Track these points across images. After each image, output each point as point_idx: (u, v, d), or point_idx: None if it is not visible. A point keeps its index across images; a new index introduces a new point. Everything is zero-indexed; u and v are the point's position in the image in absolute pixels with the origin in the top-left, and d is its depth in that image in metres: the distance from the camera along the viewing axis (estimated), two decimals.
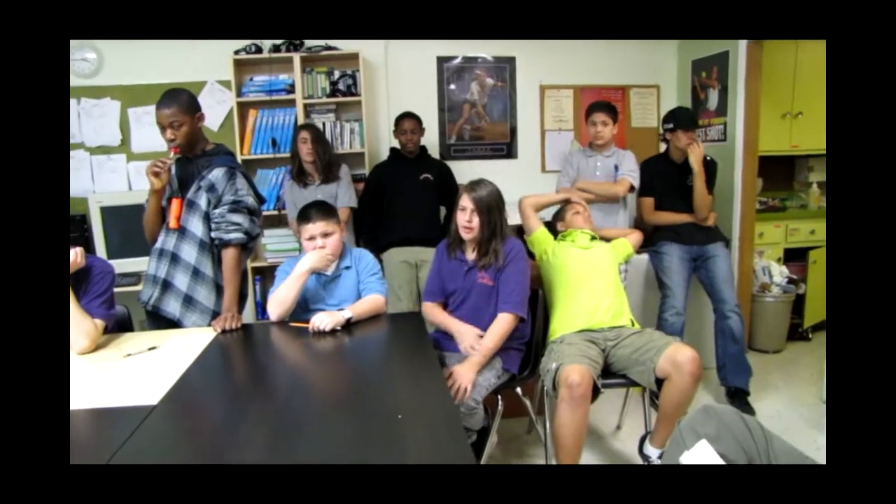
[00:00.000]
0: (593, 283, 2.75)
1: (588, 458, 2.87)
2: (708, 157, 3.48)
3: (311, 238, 2.43)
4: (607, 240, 3.08)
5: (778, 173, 4.91)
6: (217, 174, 2.46)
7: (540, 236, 2.99)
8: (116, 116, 3.98)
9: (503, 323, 2.43)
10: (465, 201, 2.46)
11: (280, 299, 2.38)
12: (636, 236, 3.18)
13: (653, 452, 2.53)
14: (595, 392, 2.40)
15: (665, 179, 3.54)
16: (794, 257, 4.51)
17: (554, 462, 2.49)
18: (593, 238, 2.94)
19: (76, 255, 2.15)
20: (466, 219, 2.46)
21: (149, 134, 3.92)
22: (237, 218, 2.47)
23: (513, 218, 2.71)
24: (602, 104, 3.47)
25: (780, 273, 4.26)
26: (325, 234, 2.43)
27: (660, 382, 2.42)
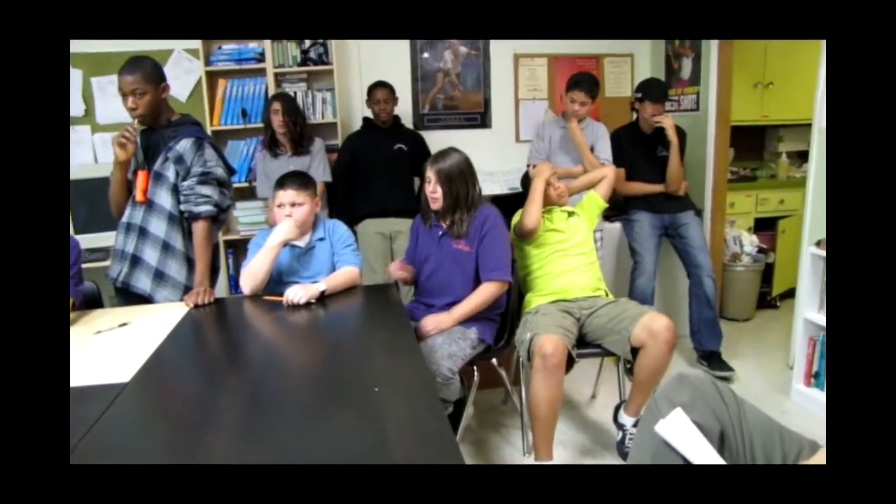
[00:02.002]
0: (569, 262, 2.75)
1: (563, 427, 2.91)
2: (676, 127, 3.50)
3: (281, 206, 2.41)
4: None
5: (748, 143, 4.95)
6: (185, 145, 2.40)
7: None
8: (79, 86, 3.85)
9: (487, 291, 2.46)
10: (429, 172, 2.50)
11: (252, 273, 2.35)
12: (607, 183, 3.03)
13: (627, 421, 2.57)
14: (570, 362, 2.42)
15: (635, 149, 3.56)
16: (764, 226, 4.58)
17: (530, 432, 2.53)
18: (570, 214, 2.89)
19: None
20: (431, 189, 2.49)
21: (114, 104, 3.75)
22: (206, 190, 2.42)
23: (487, 188, 2.70)
24: (585, 82, 3.36)
25: (750, 242, 4.33)
26: (294, 204, 2.40)
27: (634, 351, 2.45)
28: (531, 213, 2.74)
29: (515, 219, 2.86)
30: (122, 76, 2.30)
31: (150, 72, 2.34)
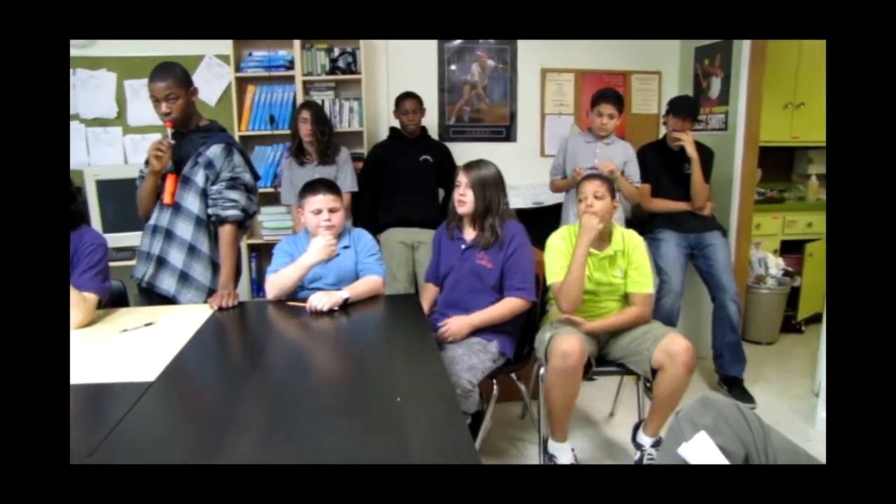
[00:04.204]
0: (599, 306, 2.65)
1: (581, 444, 2.89)
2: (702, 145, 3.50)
3: (318, 211, 2.40)
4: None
5: (777, 164, 4.90)
6: (215, 150, 2.43)
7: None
8: (112, 88, 3.91)
9: (509, 305, 2.47)
10: (461, 177, 2.52)
11: (279, 285, 2.37)
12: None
13: (646, 441, 2.54)
14: (588, 368, 2.41)
15: (661, 166, 3.56)
16: (791, 249, 4.52)
17: (550, 441, 2.53)
18: (612, 261, 2.59)
19: None
20: (460, 192, 2.51)
21: (145, 107, 3.83)
22: (234, 195, 2.45)
23: (511, 201, 2.69)
24: (611, 95, 3.38)
25: (776, 265, 4.27)
26: (332, 209, 2.42)
27: (654, 372, 2.43)
28: (572, 293, 2.47)
29: (549, 258, 2.60)
30: (153, 83, 2.34)
31: (181, 76, 2.38)
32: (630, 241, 2.62)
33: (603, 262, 2.59)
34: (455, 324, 2.45)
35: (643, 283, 2.59)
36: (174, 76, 2.35)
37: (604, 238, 2.58)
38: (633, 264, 2.59)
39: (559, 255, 2.58)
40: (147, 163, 2.46)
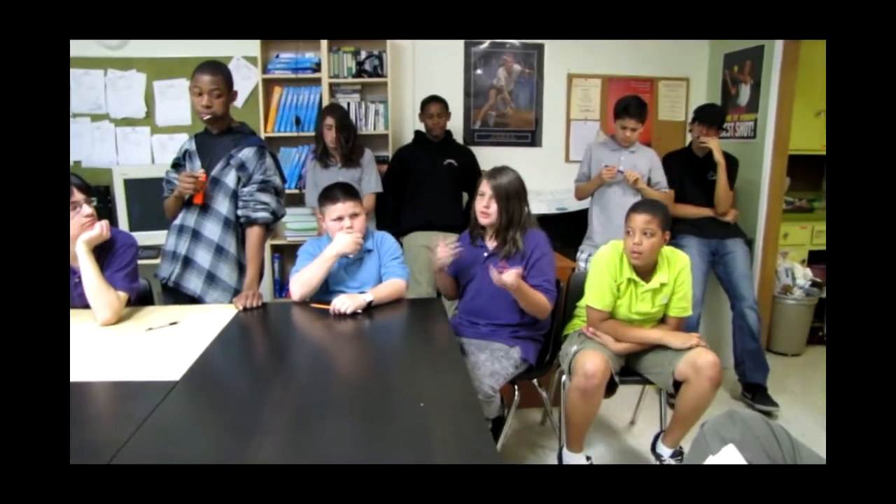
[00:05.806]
0: (633, 323, 2.57)
1: (600, 452, 2.87)
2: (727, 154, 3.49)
3: (339, 218, 2.41)
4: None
5: (806, 173, 4.81)
6: (248, 153, 2.46)
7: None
8: (142, 89, 3.97)
9: (543, 298, 2.40)
10: (485, 187, 2.46)
11: (305, 281, 2.38)
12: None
13: (665, 451, 2.52)
14: (612, 385, 2.39)
15: (686, 173, 3.55)
16: (820, 260, 4.43)
17: (565, 451, 2.51)
18: (658, 292, 2.50)
19: (102, 227, 2.16)
20: (484, 204, 2.46)
21: (173, 107, 3.93)
22: (265, 197, 2.47)
23: (535, 207, 2.67)
24: (634, 109, 3.33)
25: (803, 275, 4.20)
26: (353, 215, 2.42)
27: (678, 385, 2.40)
28: (608, 333, 2.49)
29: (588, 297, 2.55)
30: (202, 75, 2.36)
31: (227, 76, 2.43)
32: (675, 267, 2.51)
33: (646, 294, 2.50)
34: (512, 275, 2.25)
35: (684, 307, 2.51)
36: (222, 73, 2.40)
37: (649, 269, 2.50)
38: (678, 290, 2.50)
39: (603, 282, 2.49)
40: (175, 165, 2.55)
